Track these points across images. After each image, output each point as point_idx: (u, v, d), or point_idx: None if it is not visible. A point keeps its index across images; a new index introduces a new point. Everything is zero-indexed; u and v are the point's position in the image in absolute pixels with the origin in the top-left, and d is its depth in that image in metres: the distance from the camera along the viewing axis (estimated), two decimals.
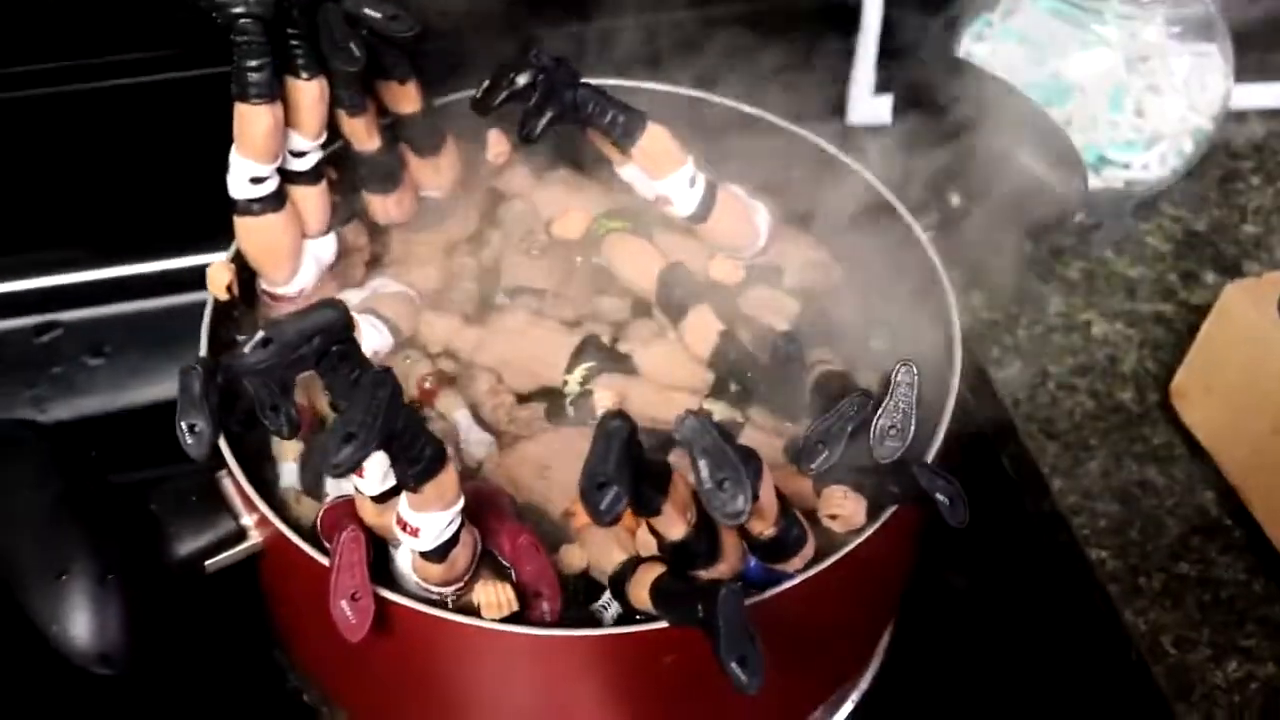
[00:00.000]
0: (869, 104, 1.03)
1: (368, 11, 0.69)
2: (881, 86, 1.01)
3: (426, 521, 0.58)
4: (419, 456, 0.55)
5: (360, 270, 0.79)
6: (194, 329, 0.74)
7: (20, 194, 0.92)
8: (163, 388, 0.93)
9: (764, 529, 0.59)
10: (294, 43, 0.69)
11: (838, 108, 1.03)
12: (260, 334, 0.53)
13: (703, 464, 0.52)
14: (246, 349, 0.53)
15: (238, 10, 0.65)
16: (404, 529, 0.58)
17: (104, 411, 0.91)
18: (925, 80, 0.86)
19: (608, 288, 0.78)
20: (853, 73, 1.01)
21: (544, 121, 0.69)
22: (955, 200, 0.80)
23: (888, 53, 1.01)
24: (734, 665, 0.53)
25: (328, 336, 0.54)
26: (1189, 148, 0.96)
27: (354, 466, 0.51)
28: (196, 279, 0.91)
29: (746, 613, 0.55)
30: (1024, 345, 0.92)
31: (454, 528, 0.59)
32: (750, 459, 0.55)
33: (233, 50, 0.66)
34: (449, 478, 0.57)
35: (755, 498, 0.56)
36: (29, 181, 0.92)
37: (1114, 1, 0.93)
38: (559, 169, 0.84)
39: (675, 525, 0.58)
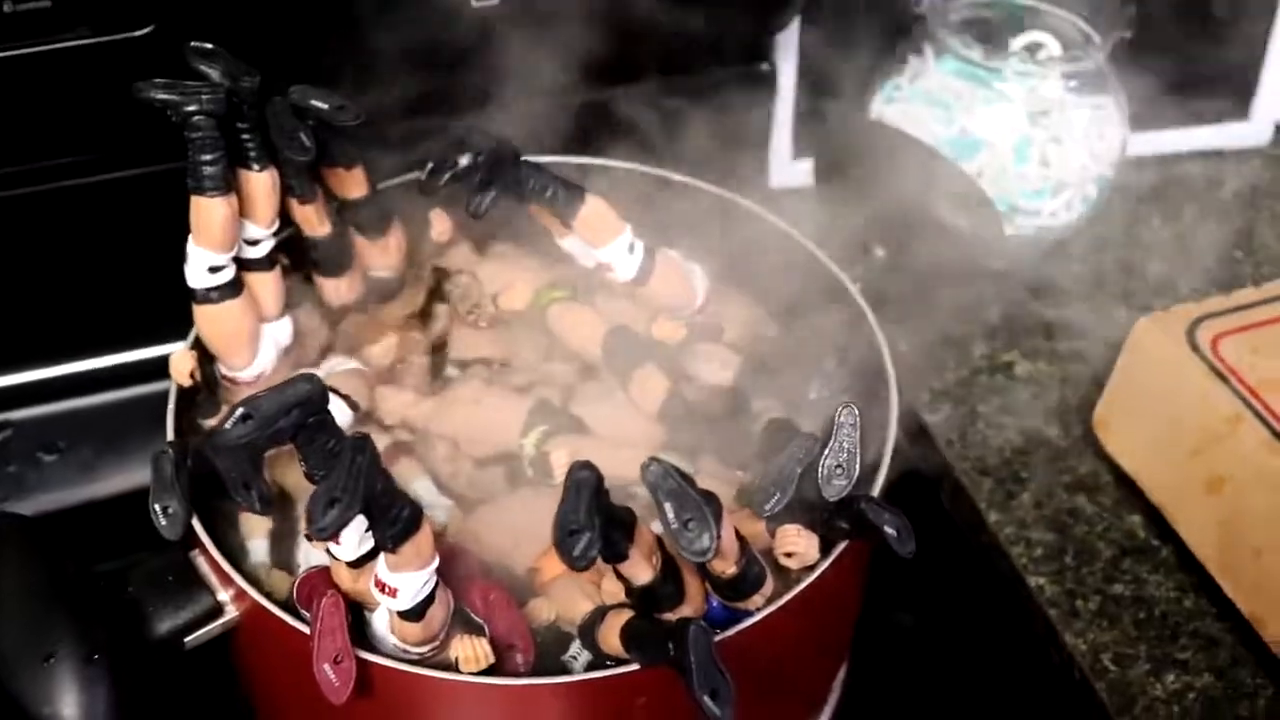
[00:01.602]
0: (789, 168, 1.07)
1: (314, 103, 0.72)
2: (800, 151, 1.06)
3: (404, 581, 0.60)
4: (397, 518, 0.57)
5: (315, 351, 0.81)
6: (145, 421, 0.76)
7: None
8: (118, 480, 0.95)
9: (726, 568, 0.62)
10: (245, 136, 0.72)
11: (760, 172, 1.08)
12: (239, 410, 0.56)
13: (668, 506, 0.55)
14: (227, 425, 0.55)
15: (191, 109, 0.68)
16: (382, 590, 0.61)
17: (60, 507, 0.92)
18: (843, 142, 0.91)
19: (554, 354, 0.82)
20: (771, 139, 1.06)
21: (490, 197, 0.73)
22: (879, 253, 0.84)
23: (805, 118, 1.05)
24: (706, 699, 0.56)
25: (306, 409, 0.56)
26: (1093, 193, 1.01)
27: (339, 529, 0.54)
28: (145, 372, 0.94)
29: (716, 647, 0.58)
30: (952, 388, 0.96)
31: (430, 586, 0.61)
32: (711, 499, 0.58)
33: (187, 146, 0.69)
34: (425, 537, 0.59)
35: (718, 537, 0.60)
36: None
37: (1013, 60, 0.98)
38: (499, 244, 0.87)
39: (642, 570, 0.61)
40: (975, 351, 0.99)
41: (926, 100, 1.01)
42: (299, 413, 0.56)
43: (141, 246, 0.81)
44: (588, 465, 0.56)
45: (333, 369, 0.79)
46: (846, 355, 0.78)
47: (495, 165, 0.73)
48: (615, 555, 0.59)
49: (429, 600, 0.62)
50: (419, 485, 0.75)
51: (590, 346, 0.79)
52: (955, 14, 1.02)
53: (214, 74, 0.70)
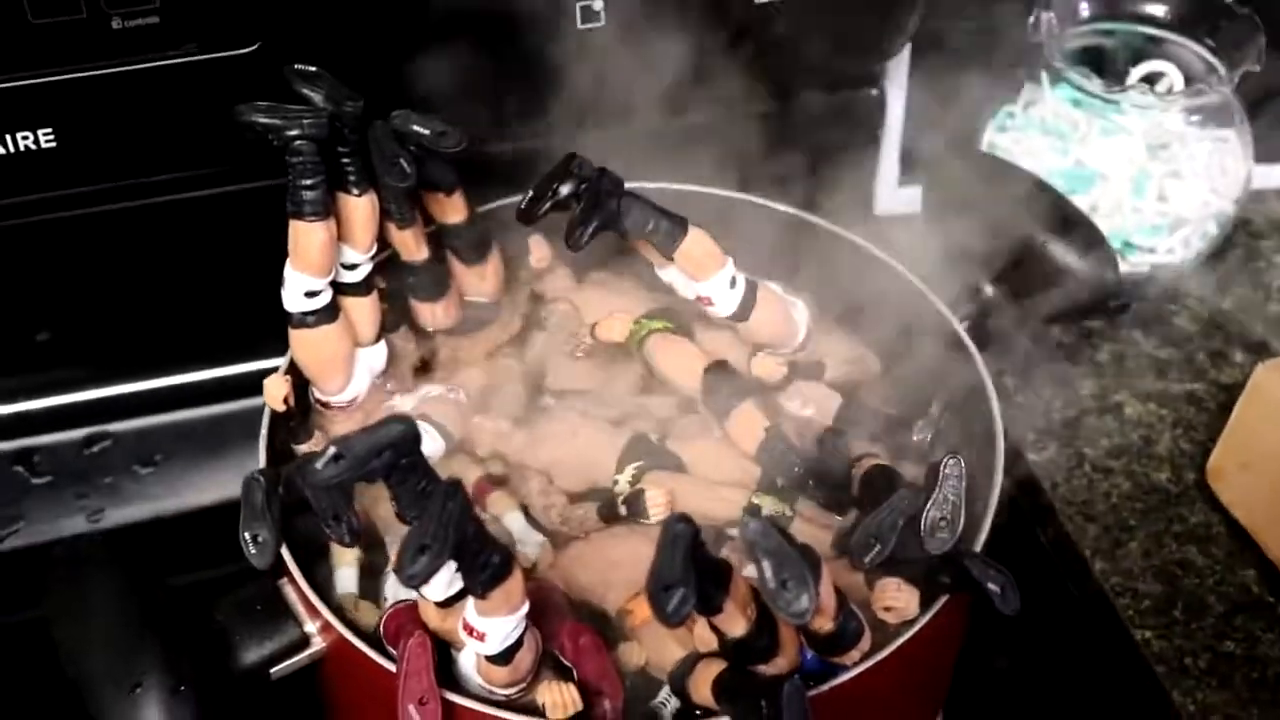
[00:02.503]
0: (895, 195, 1.05)
1: (416, 128, 0.71)
2: (907, 178, 1.04)
3: (493, 626, 0.59)
4: (487, 564, 0.56)
5: (409, 376, 0.80)
6: (240, 435, 0.75)
7: (69, 308, 0.95)
8: (213, 493, 0.95)
9: (824, 625, 0.60)
10: (345, 160, 0.71)
11: (866, 199, 1.06)
12: (331, 450, 0.55)
13: (766, 564, 0.53)
14: (319, 464, 0.54)
15: (293, 133, 0.68)
16: (470, 633, 0.60)
17: (156, 518, 0.92)
18: (952, 173, 0.89)
19: (652, 387, 0.80)
20: (878, 166, 1.03)
21: (590, 230, 0.71)
22: (988, 291, 0.82)
23: (914, 145, 1.03)
24: None
25: (397, 451, 0.55)
26: (1212, 230, 0.98)
27: (429, 577, 0.53)
28: (242, 387, 0.93)
29: (808, 705, 0.56)
30: (1058, 429, 0.93)
31: (519, 631, 0.60)
32: (810, 556, 0.56)
33: (288, 170, 0.69)
34: (515, 584, 0.58)
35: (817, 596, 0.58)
36: (78, 295, 0.94)
37: (1132, 92, 0.95)
38: (599, 271, 0.86)
39: (737, 623, 0.59)
40: (1084, 391, 0.96)
41: (1041, 129, 0.98)
42: (390, 454, 0.55)
43: (245, 262, 0.81)
44: (685, 518, 0.54)
45: (426, 395, 0.78)
46: (951, 398, 0.76)
47: (596, 196, 0.71)
48: (710, 609, 0.57)
49: (517, 644, 0.61)
50: (511, 519, 0.74)
51: (689, 380, 0.77)
52: (1073, 41, 0.99)
53: (316, 98, 0.70)
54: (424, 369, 0.81)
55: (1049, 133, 0.97)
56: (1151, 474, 0.91)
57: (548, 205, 0.74)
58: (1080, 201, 0.94)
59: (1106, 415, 0.94)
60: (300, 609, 0.68)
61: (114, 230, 0.90)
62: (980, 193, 0.84)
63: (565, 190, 0.74)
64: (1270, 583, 0.84)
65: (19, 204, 0.84)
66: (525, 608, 0.60)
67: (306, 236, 0.70)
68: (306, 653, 0.68)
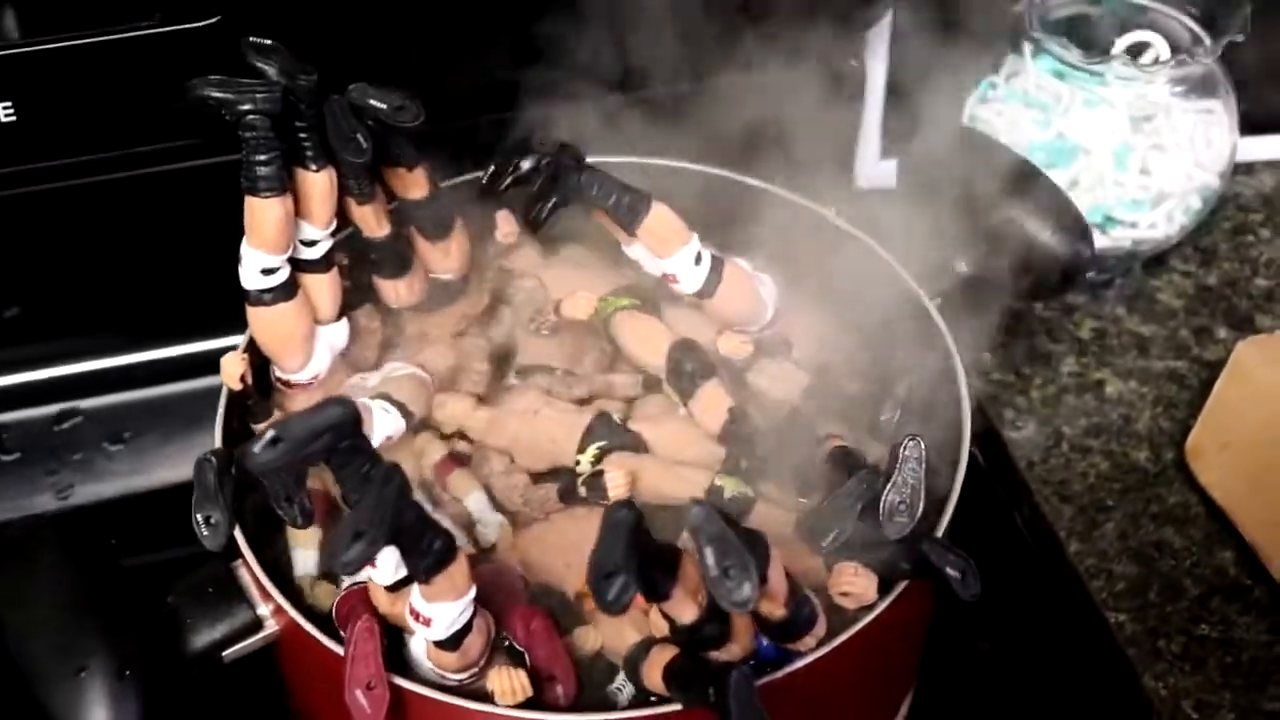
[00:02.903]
0: (876, 168, 1.03)
1: (373, 102, 0.70)
2: (889, 151, 1.02)
3: (439, 611, 0.58)
4: (428, 549, 0.55)
5: (374, 353, 0.79)
6: (212, 412, 0.74)
7: (39, 283, 0.94)
8: (183, 470, 0.94)
9: (774, 610, 0.59)
10: (302, 135, 0.70)
11: (846, 172, 1.05)
12: (270, 433, 0.54)
13: (709, 551, 0.52)
14: (256, 448, 0.54)
15: (246, 108, 0.67)
16: (417, 619, 0.59)
17: (125, 495, 0.92)
18: (929, 147, 0.87)
19: (619, 364, 0.79)
20: (859, 139, 1.02)
21: (549, 206, 0.70)
22: (961, 267, 0.80)
23: (894, 117, 1.01)
24: None
25: (336, 434, 0.54)
26: (1196, 204, 0.96)
27: (364, 564, 0.52)
28: (213, 363, 0.92)
29: (757, 694, 0.55)
30: (1037, 407, 0.92)
31: (466, 616, 0.59)
32: (757, 543, 0.55)
33: (242, 145, 0.68)
34: (459, 569, 0.57)
35: (764, 581, 0.57)
36: (48, 271, 0.93)
37: (1115, 64, 0.93)
38: (567, 246, 0.84)
39: (686, 609, 0.58)
40: (1063, 369, 0.94)
41: (1023, 101, 0.96)
42: (330, 437, 0.54)
43: (214, 237, 0.79)
44: (628, 504, 0.53)
45: (390, 373, 0.77)
46: (921, 377, 0.75)
47: (557, 171, 0.70)
48: (657, 595, 0.57)
49: (465, 629, 0.60)
50: (472, 499, 0.73)
51: (653, 358, 0.76)
52: (1057, 10, 0.97)
53: (270, 71, 0.68)
54: (389, 345, 0.81)
55: (1031, 105, 0.95)
56: (1130, 453, 0.89)
57: (509, 180, 0.73)
58: (1061, 175, 0.93)
59: (1086, 393, 0.93)
60: (254, 591, 0.67)
61: (78, 205, 0.89)
62: (954, 168, 0.82)
63: (526, 165, 0.73)
64: (1247, 565, 0.83)
65: None
66: (472, 592, 0.59)
67: (262, 213, 0.69)
68: (259, 636, 0.67)
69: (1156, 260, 1.00)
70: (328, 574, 0.69)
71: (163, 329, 0.96)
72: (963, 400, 0.72)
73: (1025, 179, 0.82)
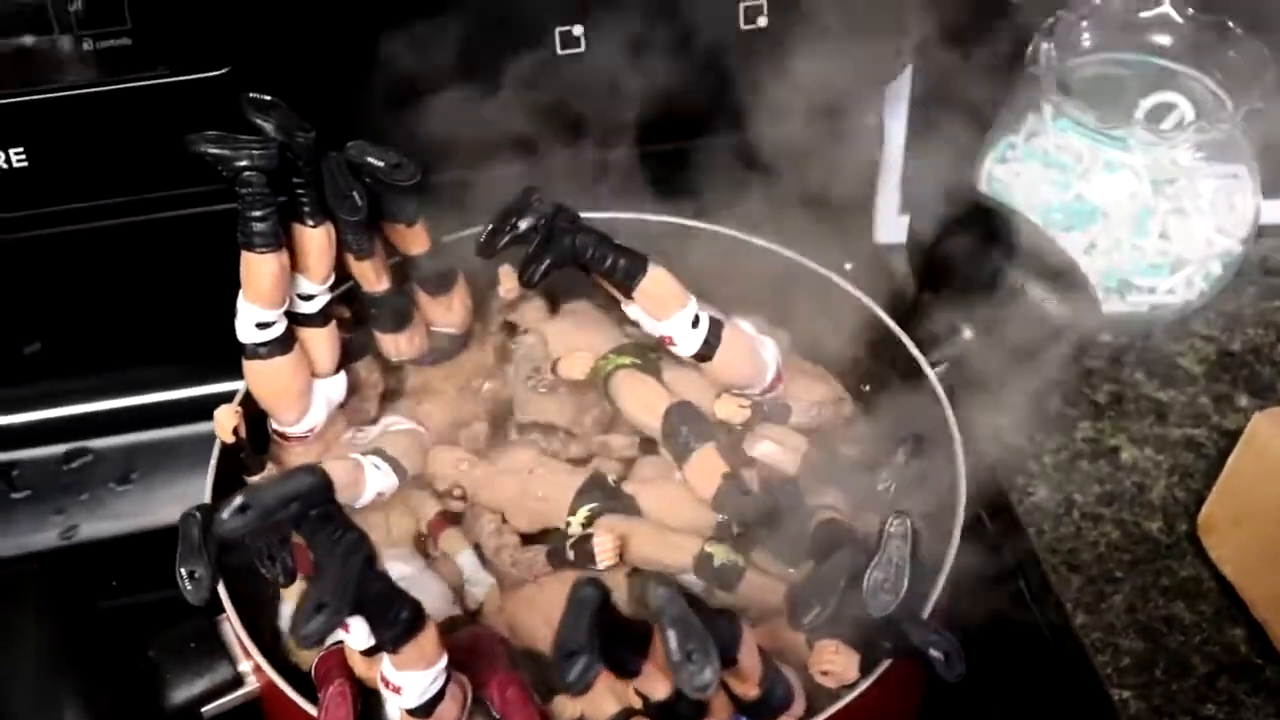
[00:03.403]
0: (896, 224, 1.02)
1: (370, 160, 0.70)
2: (908, 206, 1.01)
3: (408, 680, 0.58)
4: (395, 619, 0.55)
5: (374, 405, 0.79)
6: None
7: (59, 321, 0.95)
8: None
9: (748, 691, 0.58)
10: (299, 190, 0.70)
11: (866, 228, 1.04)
12: (238, 499, 0.54)
13: (671, 634, 0.51)
14: (225, 514, 0.53)
15: (242, 164, 0.67)
16: (387, 686, 0.58)
17: (129, 533, 0.92)
18: (939, 209, 0.86)
19: (619, 424, 0.78)
20: (877, 194, 1.01)
21: (542, 268, 0.70)
22: (967, 334, 0.79)
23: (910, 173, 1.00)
24: None
25: (305, 502, 0.54)
26: (1217, 270, 0.94)
27: (323, 636, 0.51)
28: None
29: None
30: (1049, 472, 0.90)
31: (438, 684, 0.59)
32: (726, 624, 0.54)
33: (238, 201, 0.68)
34: (428, 638, 0.57)
35: (734, 662, 0.56)
36: (66, 310, 0.94)
37: (1137, 129, 0.91)
38: (574, 301, 0.84)
39: (658, 685, 0.57)
40: (1078, 434, 0.93)
41: (1043, 161, 0.95)
42: (299, 505, 0.54)
43: (227, 282, 0.80)
44: (593, 582, 0.53)
45: (387, 428, 0.77)
46: (920, 447, 0.73)
47: (550, 232, 0.70)
48: (625, 672, 0.56)
49: (438, 697, 0.59)
50: (462, 558, 0.73)
51: (650, 420, 0.75)
52: (1081, 70, 0.96)
53: (268, 127, 0.69)
54: (391, 396, 0.80)
55: (1050, 165, 0.94)
56: (1143, 523, 0.88)
57: (506, 239, 0.73)
58: (1077, 238, 0.92)
59: (1100, 459, 0.91)
60: (236, 647, 0.67)
61: (91, 249, 0.89)
62: (963, 231, 0.82)
63: (524, 225, 0.72)
64: (1258, 643, 0.81)
65: None
66: (442, 661, 0.58)
67: (257, 268, 0.69)
68: (240, 692, 0.67)
69: (1178, 324, 0.98)
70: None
71: (175, 371, 0.97)
72: (958, 473, 0.71)
73: (1035, 245, 0.81)
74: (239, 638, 0.66)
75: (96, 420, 0.96)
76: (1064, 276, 0.79)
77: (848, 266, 0.93)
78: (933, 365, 0.77)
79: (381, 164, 0.70)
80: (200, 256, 0.90)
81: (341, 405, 0.77)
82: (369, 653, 0.60)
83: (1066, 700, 0.82)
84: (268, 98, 0.70)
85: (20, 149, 0.81)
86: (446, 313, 0.79)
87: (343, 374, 0.76)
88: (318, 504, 0.55)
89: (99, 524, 0.92)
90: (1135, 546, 0.86)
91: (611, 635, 0.53)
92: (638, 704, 0.62)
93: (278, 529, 0.55)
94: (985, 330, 0.79)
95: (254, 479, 0.74)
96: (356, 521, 0.71)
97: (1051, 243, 0.81)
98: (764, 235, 0.84)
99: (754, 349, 0.77)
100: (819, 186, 0.89)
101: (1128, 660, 0.81)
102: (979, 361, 0.79)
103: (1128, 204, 0.92)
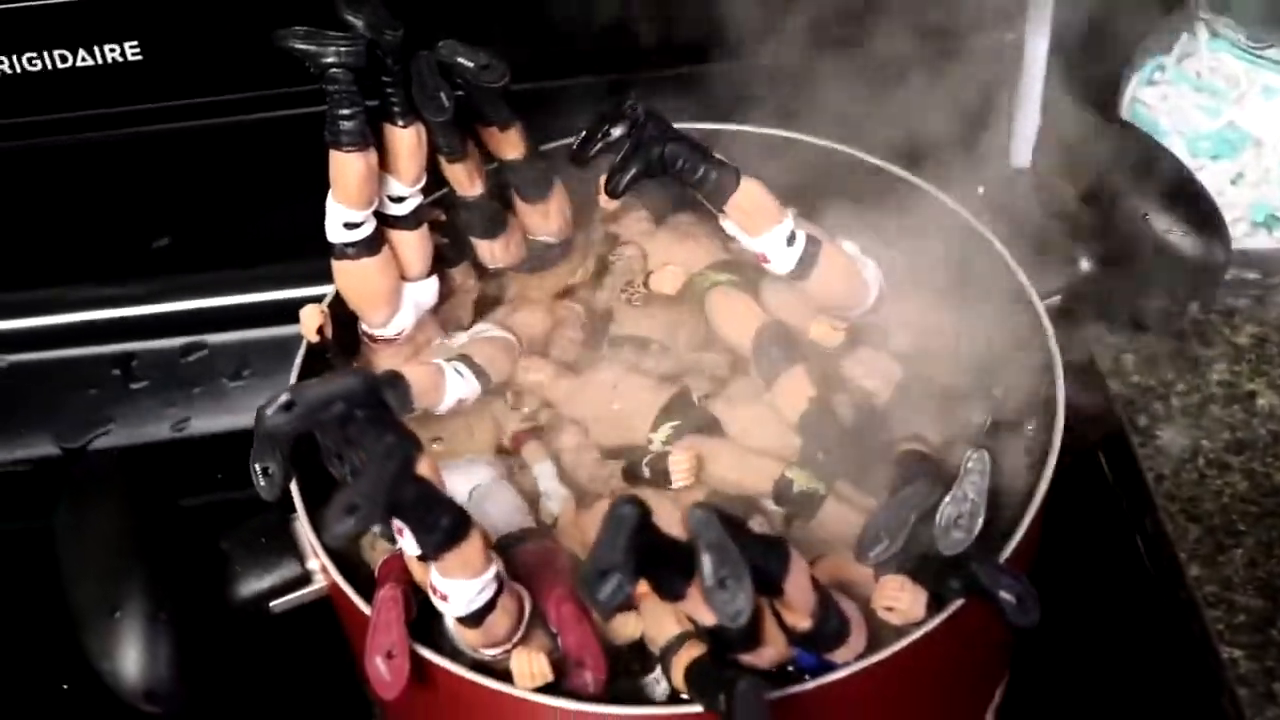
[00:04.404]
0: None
1: (460, 60, 0.69)
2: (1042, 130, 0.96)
3: (454, 589, 0.57)
4: (435, 526, 0.54)
5: (468, 312, 0.79)
6: None
7: (180, 221, 0.96)
8: None
9: (799, 621, 0.56)
10: (389, 90, 0.69)
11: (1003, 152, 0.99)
12: (284, 396, 0.53)
13: (706, 559, 0.49)
14: (269, 410, 0.53)
15: (329, 60, 0.66)
16: (435, 594, 0.58)
17: (238, 430, 0.93)
18: (1073, 135, 0.81)
19: (714, 344, 0.76)
20: (1015, 117, 0.96)
21: (627, 179, 0.67)
22: (1084, 265, 0.75)
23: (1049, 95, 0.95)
24: None
25: (349, 402, 0.53)
26: None
27: (354, 538, 0.51)
28: None
29: (766, 706, 0.53)
30: (1177, 415, 0.85)
31: (486, 595, 0.58)
32: (773, 551, 0.52)
33: (326, 99, 0.67)
34: (473, 548, 0.56)
35: (780, 592, 0.54)
36: (187, 210, 0.96)
37: None
38: (682, 215, 0.82)
39: (705, 611, 0.55)
40: (1213, 376, 0.87)
41: (1193, 85, 0.89)
42: (343, 405, 0.53)
43: None
44: (633, 499, 0.50)
45: (476, 335, 0.76)
46: (1021, 380, 0.70)
47: (639, 141, 0.67)
48: (669, 594, 0.54)
49: (487, 608, 0.58)
50: (540, 470, 0.72)
51: (743, 339, 0.73)
52: None
53: (358, 24, 0.68)
54: (489, 304, 0.80)
55: (1201, 89, 0.88)
56: (1275, 475, 0.82)
57: (598, 146, 0.71)
58: (1225, 167, 0.86)
59: (1235, 404, 0.86)
60: (306, 546, 0.67)
61: (212, 146, 0.91)
62: (1094, 156, 0.77)
63: (617, 132, 0.70)
64: None
65: (106, 116, 0.85)
66: (490, 572, 0.57)
67: (344, 167, 0.68)
68: (307, 590, 0.67)
69: None
70: (390, 534, 0.69)
71: (292, 270, 0.97)
72: (1057, 411, 0.67)
73: (1167, 174, 0.75)
74: (308, 537, 0.66)
75: (214, 316, 0.97)
76: (1197, 211, 0.74)
77: (980, 190, 0.89)
78: (1045, 296, 0.73)
79: (471, 65, 0.69)
80: (320, 157, 0.91)
81: (434, 310, 0.77)
82: (424, 558, 0.60)
83: (1170, 656, 0.78)
84: None
85: (135, 42, 0.82)
86: (544, 220, 0.78)
87: (434, 279, 0.75)
88: (363, 405, 0.54)
89: (211, 419, 0.94)
90: (1264, 499, 0.81)
91: (656, 557, 0.51)
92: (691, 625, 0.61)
93: (321, 427, 0.54)
94: (1106, 262, 0.74)
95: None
96: (438, 426, 0.73)
97: (1188, 174, 0.76)
98: (886, 156, 0.81)
99: (854, 270, 0.73)
100: (951, 107, 0.85)
101: (1243, 618, 0.76)
102: (1096, 295, 0.75)
103: None
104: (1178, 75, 0.89)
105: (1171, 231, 0.72)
